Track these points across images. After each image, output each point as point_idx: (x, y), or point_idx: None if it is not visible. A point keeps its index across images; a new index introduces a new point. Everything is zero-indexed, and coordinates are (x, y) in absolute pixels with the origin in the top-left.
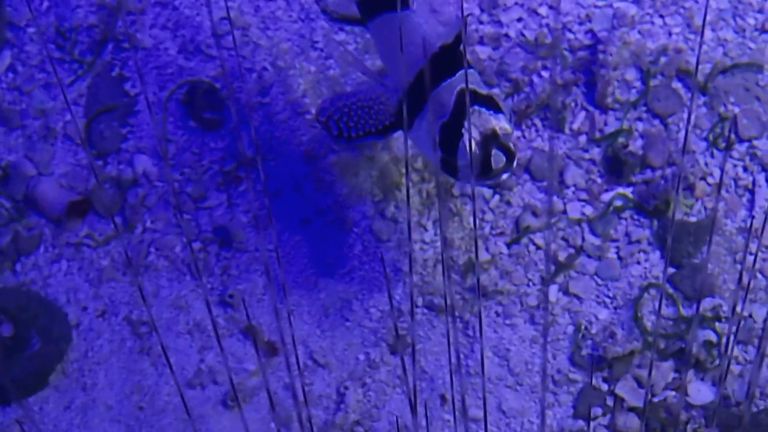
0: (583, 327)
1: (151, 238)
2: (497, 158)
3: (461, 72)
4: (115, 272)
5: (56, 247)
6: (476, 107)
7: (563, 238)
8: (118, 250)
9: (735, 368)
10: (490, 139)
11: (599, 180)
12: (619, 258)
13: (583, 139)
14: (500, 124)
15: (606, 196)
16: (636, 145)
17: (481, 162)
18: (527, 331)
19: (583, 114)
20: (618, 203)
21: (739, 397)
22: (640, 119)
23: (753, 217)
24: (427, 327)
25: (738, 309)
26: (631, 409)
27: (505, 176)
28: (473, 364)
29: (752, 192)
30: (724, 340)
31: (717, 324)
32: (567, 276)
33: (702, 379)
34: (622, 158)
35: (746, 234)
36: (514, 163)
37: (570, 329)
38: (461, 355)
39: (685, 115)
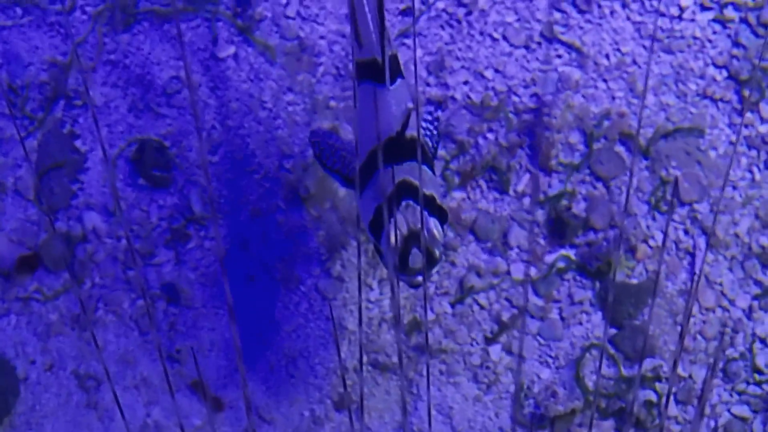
0: (525, 386)
1: (99, 294)
2: (415, 258)
3: (411, 163)
4: (63, 327)
5: (5, 302)
6: (411, 203)
7: (506, 299)
8: (67, 305)
9: (674, 428)
10: (414, 239)
11: (542, 241)
12: (562, 318)
13: (527, 200)
14: (429, 226)
15: (549, 258)
16: (579, 208)
17: (399, 257)
18: (470, 389)
19: (527, 176)
20: (561, 265)
21: None
22: (583, 182)
23: (693, 280)
24: (372, 384)
25: (678, 370)
26: None
27: (419, 279)
28: (416, 421)
29: (693, 255)
30: (663, 399)
31: (657, 384)
32: (510, 336)
33: None
34: (566, 220)
35: (687, 296)
36: (435, 269)
37: (512, 388)
38: (406, 413)
39: (627, 178)
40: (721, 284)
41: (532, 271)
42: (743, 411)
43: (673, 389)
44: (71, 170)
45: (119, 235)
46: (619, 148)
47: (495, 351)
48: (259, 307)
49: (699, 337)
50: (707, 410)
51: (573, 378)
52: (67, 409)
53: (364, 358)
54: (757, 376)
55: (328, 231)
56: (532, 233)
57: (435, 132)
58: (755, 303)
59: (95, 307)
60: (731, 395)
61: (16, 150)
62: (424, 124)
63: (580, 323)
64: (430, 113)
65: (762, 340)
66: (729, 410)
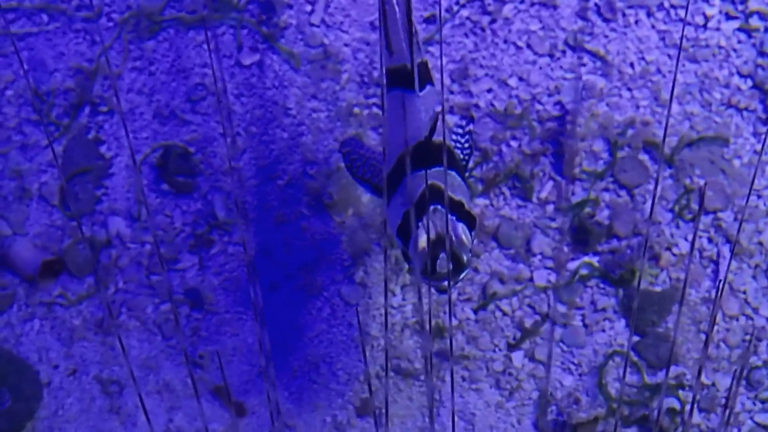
0: (548, 393)
1: (122, 299)
2: (443, 263)
3: (438, 169)
4: (86, 332)
5: (29, 306)
6: (439, 207)
7: (529, 305)
8: (90, 310)
9: None
10: (442, 243)
11: (566, 249)
12: (585, 326)
13: (550, 208)
14: (457, 231)
15: (572, 265)
16: (602, 215)
17: (427, 262)
18: (492, 395)
19: (550, 184)
20: (584, 272)
21: None
22: (606, 190)
23: (718, 288)
24: (394, 390)
25: (701, 378)
26: None
27: (446, 283)
28: (439, 428)
29: (716, 263)
30: (686, 407)
31: (680, 392)
32: (533, 342)
33: None
34: (589, 228)
35: (710, 304)
36: (462, 274)
37: (535, 395)
38: (428, 419)
39: (651, 186)
40: (744, 292)
41: (555, 278)
42: (766, 419)
43: (697, 397)
44: (96, 176)
45: (143, 241)
46: (643, 157)
47: (518, 357)
48: (282, 313)
49: (722, 345)
50: (731, 419)
51: (596, 385)
52: (90, 414)
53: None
54: None
55: (351, 237)
56: (556, 240)
57: (466, 144)
58: None
59: (119, 312)
60: (754, 403)
61: (41, 156)
62: (453, 137)
63: (603, 330)
64: (461, 126)
65: None
66: (752, 418)
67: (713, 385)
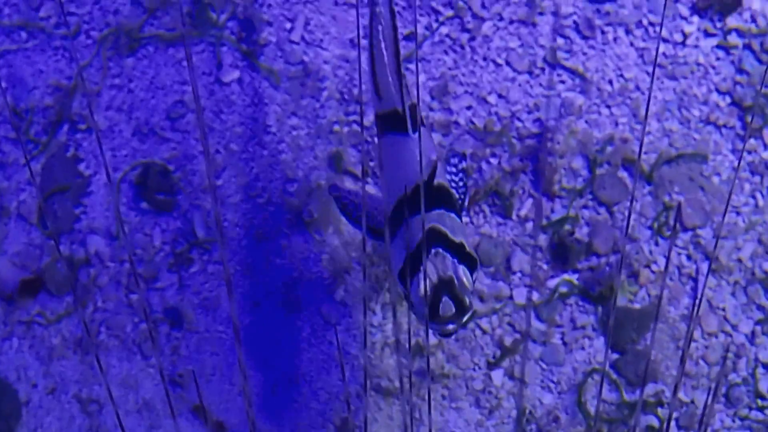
0: (527, 411)
1: (102, 318)
2: (446, 307)
3: (438, 211)
4: (65, 350)
5: (7, 325)
6: (440, 250)
7: (509, 324)
8: (69, 328)
9: None
10: (444, 287)
11: (545, 266)
12: (564, 343)
13: (529, 225)
14: (459, 274)
15: (552, 282)
16: (582, 233)
17: (429, 306)
18: (472, 414)
19: (530, 201)
20: (563, 289)
21: None
22: (586, 207)
23: (695, 304)
24: (374, 409)
25: (679, 395)
26: None
27: (451, 327)
28: None
29: (695, 280)
30: (665, 425)
31: (659, 409)
32: (513, 361)
33: None
34: (568, 245)
35: (689, 321)
36: (465, 317)
37: (515, 413)
38: None
39: (632, 203)
40: (723, 309)
41: (535, 296)
42: None
43: (676, 414)
44: (75, 194)
45: (122, 259)
46: (623, 174)
47: (497, 376)
48: (261, 332)
49: (701, 362)
50: None
51: (575, 403)
52: None
53: (367, 383)
54: (759, 402)
55: (331, 255)
56: (535, 258)
57: (461, 183)
58: (758, 328)
59: (98, 331)
60: (733, 421)
61: (20, 173)
62: (447, 177)
63: (583, 348)
64: (455, 165)
65: (765, 366)
66: None
67: (692, 402)
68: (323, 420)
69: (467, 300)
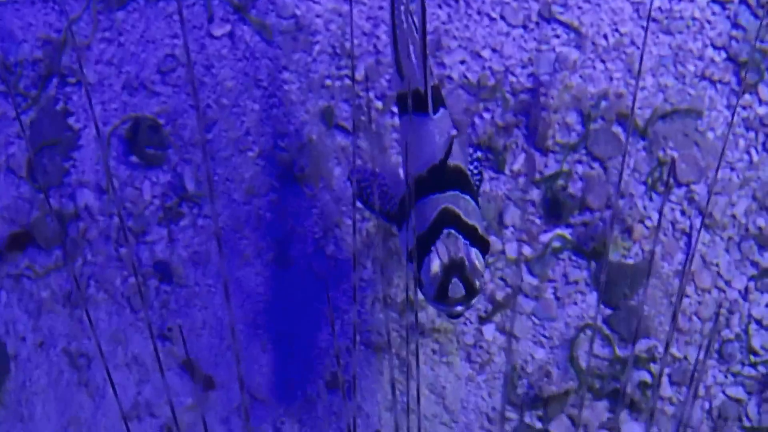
0: (519, 366)
1: (91, 272)
2: (455, 288)
3: (453, 192)
4: (54, 304)
5: None
6: (453, 232)
7: (501, 278)
8: (58, 282)
9: (668, 409)
10: (455, 268)
11: (538, 221)
12: (557, 298)
13: (522, 180)
14: (470, 256)
15: (544, 237)
16: (575, 188)
17: (439, 287)
18: (463, 369)
19: (523, 156)
20: (556, 244)
21: None
22: (579, 162)
23: (687, 260)
24: (364, 364)
25: (672, 350)
26: None
27: (460, 309)
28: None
29: (689, 236)
30: (657, 381)
31: (652, 365)
32: (504, 315)
33: (636, 420)
34: (561, 200)
35: (682, 277)
36: (473, 300)
37: (506, 368)
38: (397, 392)
39: (625, 159)
40: (717, 265)
41: (528, 251)
42: (738, 393)
43: (669, 370)
44: (64, 148)
45: (112, 213)
46: (617, 129)
47: (489, 330)
48: (251, 287)
49: (694, 318)
50: (702, 392)
51: (567, 358)
52: (58, 387)
53: (357, 338)
54: (752, 358)
55: (322, 210)
56: (528, 213)
57: (475, 171)
58: (751, 284)
59: (87, 285)
60: (726, 377)
61: (9, 127)
62: None
63: (575, 303)
64: (469, 155)
65: (758, 322)
66: (724, 392)
67: (685, 358)
68: (313, 375)
69: (477, 283)
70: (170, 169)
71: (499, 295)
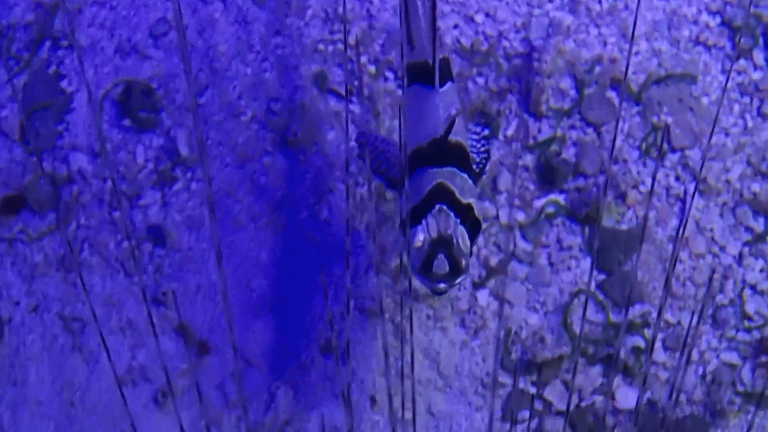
0: (513, 332)
1: (84, 235)
2: (440, 264)
3: (450, 169)
4: (48, 268)
5: None
6: (444, 208)
7: (495, 244)
8: (52, 246)
9: (662, 374)
10: (442, 245)
11: (532, 186)
12: (550, 264)
13: (516, 146)
14: (459, 235)
15: (538, 203)
16: (569, 153)
17: (423, 261)
18: (457, 334)
19: (516, 121)
20: (550, 210)
21: (665, 403)
22: (573, 127)
23: (681, 225)
24: (358, 330)
25: (666, 316)
26: (559, 413)
27: (443, 286)
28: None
29: (683, 201)
30: (651, 346)
31: (646, 330)
32: (498, 281)
33: (630, 384)
34: (555, 166)
35: (676, 242)
36: (458, 280)
37: (500, 334)
38: (392, 358)
39: (618, 124)
40: (711, 231)
41: (521, 217)
42: (732, 358)
43: (662, 336)
44: (57, 111)
45: (105, 177)
46: (611, 94)
47: (483, 296)
48: (244, 251)
49: (688, 283)
50: (695, 357)
51: (561, 324)
52: (52, 352)
53: (351, 303)
54: (746, 323)
55: (315, 175)
56: (522, 178)
57: (482, 149)
58: (746, 249)
59: (80, 249)
60: (720, 342)
61: (1, 91)
62: (470, 142)
63: (569, 269)
64: (476, 133)
65: (752, 287)
66: (718, 357)
67: (679, 323)
68: (306, 340)
69: (463, 262)
70: (163, 133)
71: (493, 261)
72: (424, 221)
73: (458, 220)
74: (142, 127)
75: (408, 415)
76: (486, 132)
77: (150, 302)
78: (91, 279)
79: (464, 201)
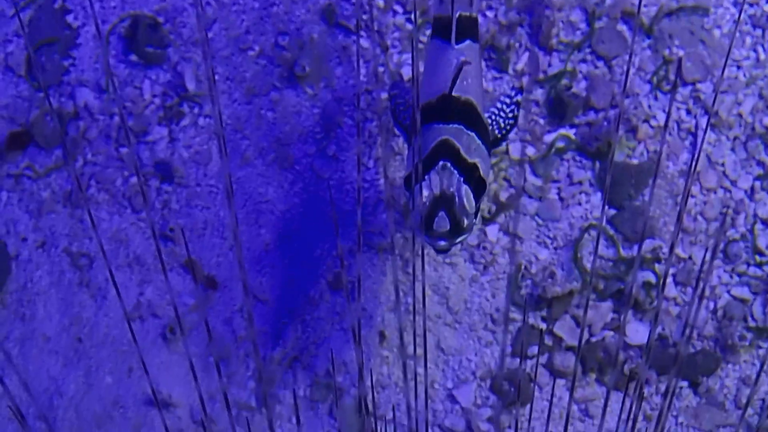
0: (523, 267)
1: (91, 171)
2: (441, 222)
3: (457, 126)
4: (55, 204)
5: None
6: (448, 165)
7: (505, 179)
8: (59, 182)
9: (673, 309)
10: (444, 202)
11: (542, 121)
12: (560, 199)
13: (526, 80)
14: (461, 193)
15: (548, 138)
16: (579, 87)
17: (425, 218)
18: (467, 270)
19: (526, 55)
20: (560, 144)
21: (676, 338)
22: (584, 61)
23: (693, 160)
24: (368, 265)
25: (677, 251)
26: (569, 349)
27: (443, 244)
28: (412, 302)
29: (695, 135)
30: (662, 281)
31: (656, 265)
32: (508, 216)
33: (640, 320)
34: (566, 100)
35: (687, 177)
36: (459, 239)
37: (510, 269)
38: (401, 293)
39: (630, 58)
40: (723, 165)
41: (531, 151)
42: (743, 293)
43: (673, 271)
44: (63, 46)
45: (112, 112)
46: (622, 27)
47: (492, 231)
48: (254, 187)
49: (700, 218)
50: (707, 292)
51: (571, 259)
52: (60, 288)
53: (360, 239)
54: (758, 258)
55: (324, 110)
56: (532, 113)
57: (510, 114)
58: (757, 184)
59: (87, 185)
60: (731, 277)
61: (7, 25)
62: (499, 105)
63: (579, 204)
64: (509, 96)
65: (763, 222)
66: (729, 292)
67: (690, 258)
68: (315, 276)
69: (464, 222)
70: (170, 68)
71: (503, 196)
72: (426, 177)
73: (462, 179)
74: (148, 62)
75: (417, 351)
76: (519, 97)
77: (158, 238)
78: (99, 215)
79: (470, 160)
